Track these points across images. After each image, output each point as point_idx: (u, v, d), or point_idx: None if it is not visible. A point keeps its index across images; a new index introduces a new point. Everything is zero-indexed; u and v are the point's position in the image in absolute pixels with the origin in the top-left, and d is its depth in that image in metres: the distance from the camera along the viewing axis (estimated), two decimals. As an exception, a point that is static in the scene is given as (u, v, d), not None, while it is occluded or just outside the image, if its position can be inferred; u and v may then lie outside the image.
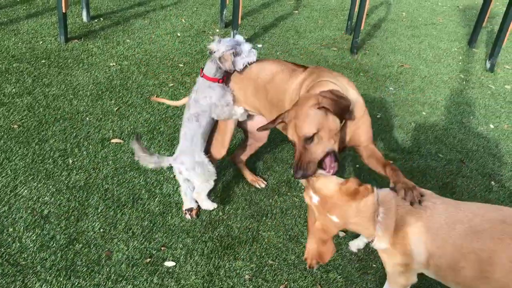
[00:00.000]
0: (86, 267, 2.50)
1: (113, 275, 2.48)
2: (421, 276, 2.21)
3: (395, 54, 5.72)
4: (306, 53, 5.40)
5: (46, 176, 3.07)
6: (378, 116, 4.28)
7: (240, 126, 3.09)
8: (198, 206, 2.93)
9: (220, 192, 3.15)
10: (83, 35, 5.04)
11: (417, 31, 6.57)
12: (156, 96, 4.09)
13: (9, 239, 2.59)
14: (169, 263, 2.59)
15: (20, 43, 4.68)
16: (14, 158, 3.18)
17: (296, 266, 2.68)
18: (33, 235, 2.63)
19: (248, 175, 3.28)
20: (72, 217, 2.79)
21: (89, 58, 4.61)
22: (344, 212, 1.99)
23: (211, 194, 3.01)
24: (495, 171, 3.81)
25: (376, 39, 6.09)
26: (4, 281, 2.36)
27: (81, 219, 2.79)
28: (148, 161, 2.71)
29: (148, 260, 2.60)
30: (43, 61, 4.43)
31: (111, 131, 3.60)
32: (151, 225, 2.83)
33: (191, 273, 2.56)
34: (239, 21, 5.30)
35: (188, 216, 2.89)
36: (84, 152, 3.33)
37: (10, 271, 2.41)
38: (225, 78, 2.84)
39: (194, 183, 2.82)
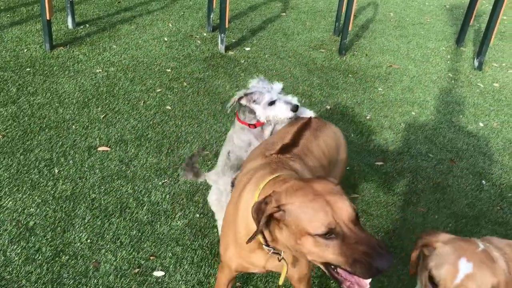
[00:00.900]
0: (73, 280, 2.44)
1: (101, 287, 2.43)
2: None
3: (383, 54, 5.72)
4: (294, 55, 5.38)
5: (31, 187, 3.01)
6: (368, 117, 4.26)
7: None
8: None
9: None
10: (68, 42, 4.97)
11: (405, 31, 6.58)
12: (143, 102, 4.04)
13: (-6, 253, 2.53)
14: (158, 273, 2.54)
15: (4, 51, 4.61)
16: (-2, 169, 3.12)
17: (287, 272, 2.64)
18: (18, 248, 2.57)
19: None
20: (59, 228, 2.74)
21: (75, 65, 4.55)
22: None
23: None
24: (485, 169, 3.80)
25: (364, 40, 6.08)
26: (-12, 297, 2.30)
27: (67, 230, 2.73)
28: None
29: (137, 270, 2.55)
30: (28, 69, 4.36)
31: (97, 139, 3.54)
32: (140, 234, 2.78)
33: (181, 282, 2.52)
34: (227, 25, 5.26)
35: None
36: (71, 161, 3.28)
37: (-5, 286, 2.35)
38: (258, 125, 2.60)
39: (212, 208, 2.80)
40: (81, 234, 2.72)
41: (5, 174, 3.08)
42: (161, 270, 2.57)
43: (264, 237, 1.69)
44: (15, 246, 2.58)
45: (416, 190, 3.47)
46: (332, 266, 1.55)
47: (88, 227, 2.77)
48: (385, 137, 4.03)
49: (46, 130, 3.56)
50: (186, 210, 3.00)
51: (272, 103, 2.46)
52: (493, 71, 5.62)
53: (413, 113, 4.48)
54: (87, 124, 3.70)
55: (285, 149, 2.11)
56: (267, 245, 1.71)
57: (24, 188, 2.99)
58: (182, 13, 6.14)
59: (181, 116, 3.96)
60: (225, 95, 4.36)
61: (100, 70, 4.51)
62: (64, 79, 4.28)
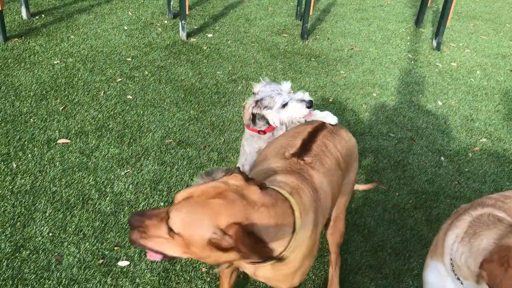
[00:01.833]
0: (34, 274, 2.40)
1: (64, 280, 2.40)
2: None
3: (345, 37, 5.77)
4: (257, 41, 5.37)
5: (-12, 183, 2.93)
6: (330, 100, 4.31)
7: None
8: None
9: (173, 187, 3.10)
10: (23, 33, 4.82)
11: (366, 14, 6.65)
12: (103, 92, 3.97)
13: (-50, 252, 2.46)
14: (123, 263, 2.53)
15: (-46, 45, 4.43)
16: (-48, 166, 3.02)
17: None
18: (-24, 246, 2.51)
19: None
20: (18, 223, 2.68)
21: (31, 56, 4.42)
22: None
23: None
24: (444, 146, 3.92)
25: (326, 24, 6.12)
26: None
27: (27, 225, 2.68)
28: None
29: (101, 261, 2.53)
30: (-19, 62, 4.21)
31: (57, 131, 3.46)
32: (103, 225, 2.75)
33: (146, 271, 2.51)
34: (187, 11, 5.20)
35: None
36: (29, 155, 3.20)
37: (-48, 285, 2.29)
38: (268, 130, 2.52)
39: None
40: (42, 228, 2.67)
41: (-40, 171, 2.99)
42: (125, 260, 2.55)
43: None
44: (-27, 244, 2.52)
45: (377, 169, 3.55)
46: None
47: (50, 220, 2.72)
48: (347, 119, 4.10)
49: (2, 124, 3.46)
50: (150, 199, 2.98)
51: (285, 105, 2.35)
52: (450, 51, 5.76)
53: (374, 94, 4.56)
54: (45, 116, 3.61)
55: (305, 147, 1.99)
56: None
57: (-20, 184, 2.91)
58: (142, 1, 6.03)
59: (142, 105, 3.91)
60: (187, 82, 4.33)
61: (58, 62, 4.40)
62: (20, 72, 4.15)
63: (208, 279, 2.51)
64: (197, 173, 3.24)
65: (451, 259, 1.78)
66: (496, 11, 7.52)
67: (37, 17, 5.21)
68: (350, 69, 5.01)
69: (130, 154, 3.33)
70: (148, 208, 2.91)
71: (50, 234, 2.64)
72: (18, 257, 2.48)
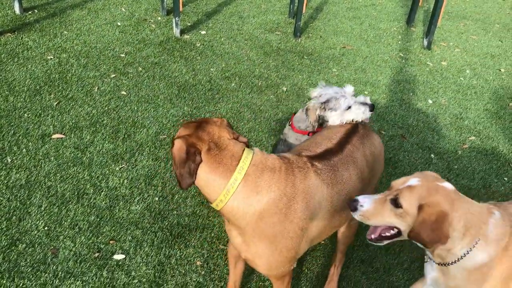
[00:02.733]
0: (31, 267, 2.43)
1: (60, 273, 2.43)
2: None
3: (337, 36, 5.83)
4: (250, 38, 5.40)
5: (-17, 177, 2.94)
6: (323, 97, 4.36)
7: None
8: None
9: (168, 182, 3.13)
10: (16, 28, 4.80)
11: (358, 12, 6.72)
12: (97, 88, 3.98)
13: None
14: (119, 256, 2.56)
15: None
16: None
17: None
18: (-28, 239, 2.53)
19: None
20: (14, 217, 2.70)
21: (24, 52, 4.41)
22: None
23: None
24: (434, 144, 3.99)
25: (319, 22, 6.18)
26: None
27: (23, 219, 2.70)
28: None
29: (97, 254, 2.56)
30: (-26, 57, 4.20)
31: (51, 126, 3.48)
32: (98, 219, 2.78)
33: (141, 264, 2.55)
34: (181, 8, 5.22)
35: None
36: (24, 150, 3.21)
37: (-51, 277, 2.31)
38: (317, 130, 2.53)
39: None
40: (37, 222, 2.69)
41: (-45, 165, 3.00)
42: (121, 253, 2.59)
43: None
44: (-31, 237, 2.53)
45: (369, 165, 3.60)
46: None
47: (45, 214, 2.75)
48: (339, 116, 4.15)
49: (-3, 119, 3.46)
50: (145, 194, 3.01)
51: (349, 107, 2.40)
52: (441, 50, 5.84)
53: (366, 92, 4.62)
54: (39, 111, 3.62)
55: (324, 155, 2.06)
56: None
57: (-25, 178, 2.92)
58: (135, -3, 6.03)
59: (136, 101, 3.93)
60: (181, 79, 4.35)
61: (52, 57, 4.40)
62: (13, 67, 4.15)
63: (203, 272, 2.55)
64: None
65: None
66: (485, 11, 7.63)
67: (30, 12, 5.19)
68: (342, 67, 5.06)
69: (124, 149, 3.36)
70: (143, 202, 2.94)
71: (46, 228, 2.66)
72: (14, 251, 2.50)
